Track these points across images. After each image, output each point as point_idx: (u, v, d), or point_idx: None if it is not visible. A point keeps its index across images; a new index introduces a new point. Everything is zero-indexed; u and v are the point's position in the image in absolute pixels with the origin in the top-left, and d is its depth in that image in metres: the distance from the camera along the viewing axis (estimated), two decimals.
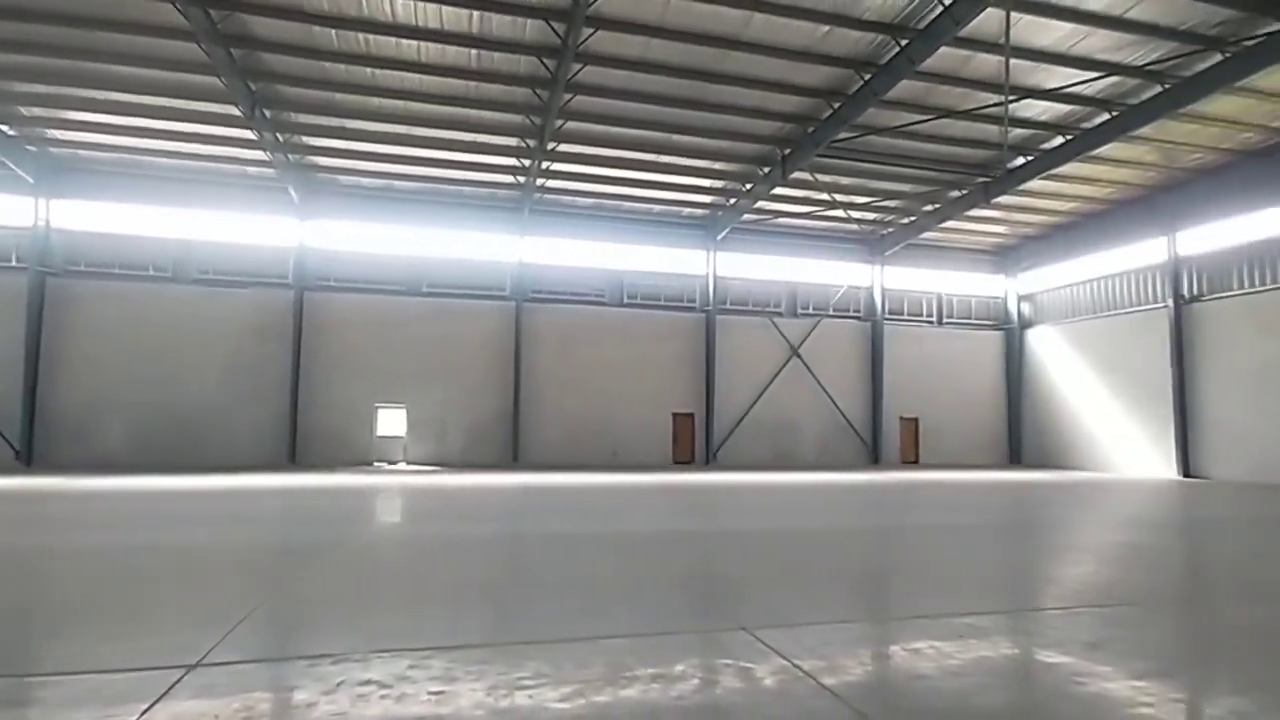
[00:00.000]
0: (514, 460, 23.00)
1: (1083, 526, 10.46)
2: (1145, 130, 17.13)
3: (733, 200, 22.73)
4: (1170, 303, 21.76)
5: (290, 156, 19.68)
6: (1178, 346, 21.56)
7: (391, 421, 22.53)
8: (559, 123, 17.47)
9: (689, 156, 19.77)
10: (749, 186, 21.47)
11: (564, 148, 19.21)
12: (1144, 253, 22.89)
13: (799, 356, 25.91)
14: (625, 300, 24.67)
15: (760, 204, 22.58)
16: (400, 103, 16.87)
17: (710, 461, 24.59)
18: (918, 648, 4.12)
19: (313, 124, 17.99)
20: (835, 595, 5.77)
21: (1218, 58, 14.30)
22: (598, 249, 24.68)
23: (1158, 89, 15.65)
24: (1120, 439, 23.57)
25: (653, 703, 3.23)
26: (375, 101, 16.83)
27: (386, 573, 6.34)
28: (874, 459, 26.25)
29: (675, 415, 24.75)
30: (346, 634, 4.21)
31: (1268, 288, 19.32)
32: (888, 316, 26.97)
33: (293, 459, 21.30)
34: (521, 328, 23.51)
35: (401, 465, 21.84)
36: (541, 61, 15.03)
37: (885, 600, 5.95)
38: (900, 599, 5.96)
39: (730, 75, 15.81)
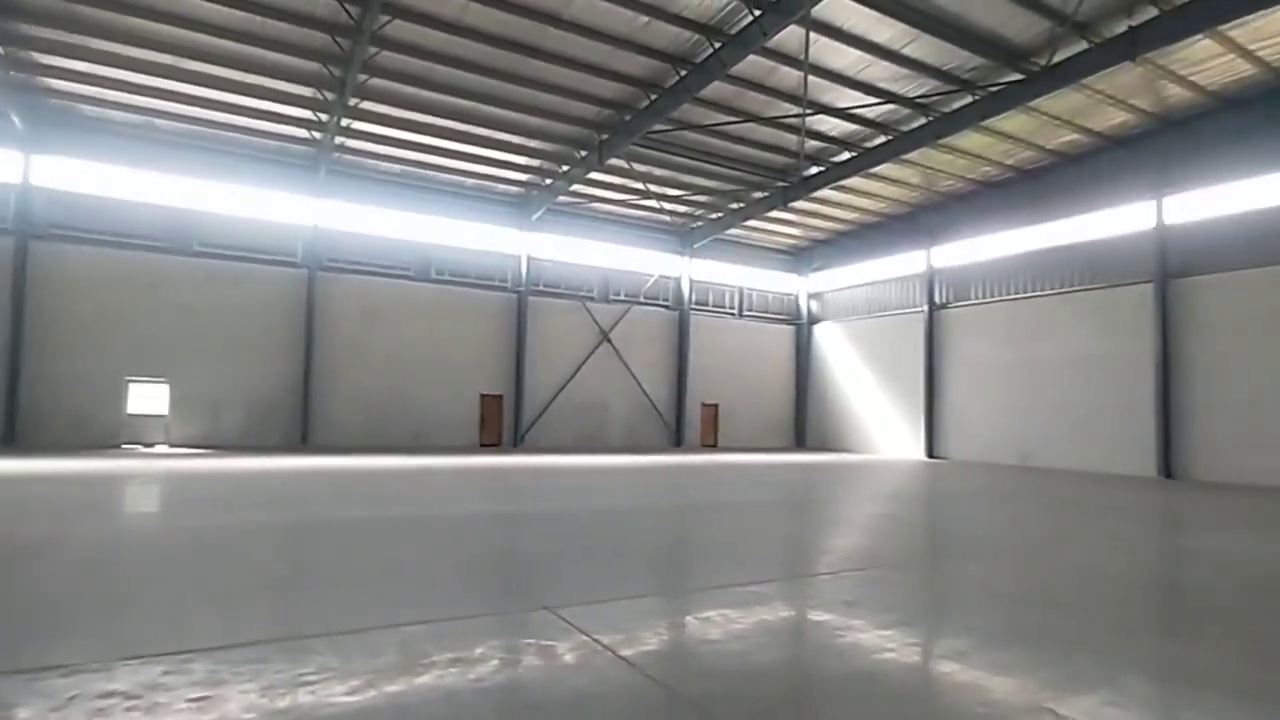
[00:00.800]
0: (303, 442, 21.12)
1: (849, 502, 11.83)
2: (913, 155, 19.67)
3: (549, 181, 22.56)
4: (926, 308, 25.24)
5: (11, 73, 16.20)
6: (930, 345, 25.09)
7: (149, 398, 19.60)
8: (362, 77, 16.14)
9: (506, 131, 19.24)
10: (566, 169, 21.43)
11: (369, 106, 17.78)
12: (908, 263, 26.26)
13: (610, 341, 26.49)
14: (434, 275, 23.56)
15: (576, 187, 22.65)
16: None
17: (519, 444, 24.39)
18: (708, 616, 4.41)
19: (43, 37, 14.80)
20: (637, 572, 5.99)
21: (969, 99, 16.74)
22: (405, 220, 23.25)
23: (923, 120, 18.00)
24: (884, 424, 26.99)
25: (449, 687, 3.13)
26: (132, 21, 14.27)
27: (136, 572, 5.52)
28: (677, 442, 27.64)
29: (484, 396, 24.20)
30: (83, 643, 3.61)
31: (993, 299, 23.13)
32: (694, 306, 28.44)
33: (11, 440, 17.80)
34: (315, 298, 21.56)
35: (161, 448, 19.14)
36: (343, 5, 13.75)
37: (683, 574, 6.29)
38: (696, 572, 6.34)
39: (550, 53, 15.61)
